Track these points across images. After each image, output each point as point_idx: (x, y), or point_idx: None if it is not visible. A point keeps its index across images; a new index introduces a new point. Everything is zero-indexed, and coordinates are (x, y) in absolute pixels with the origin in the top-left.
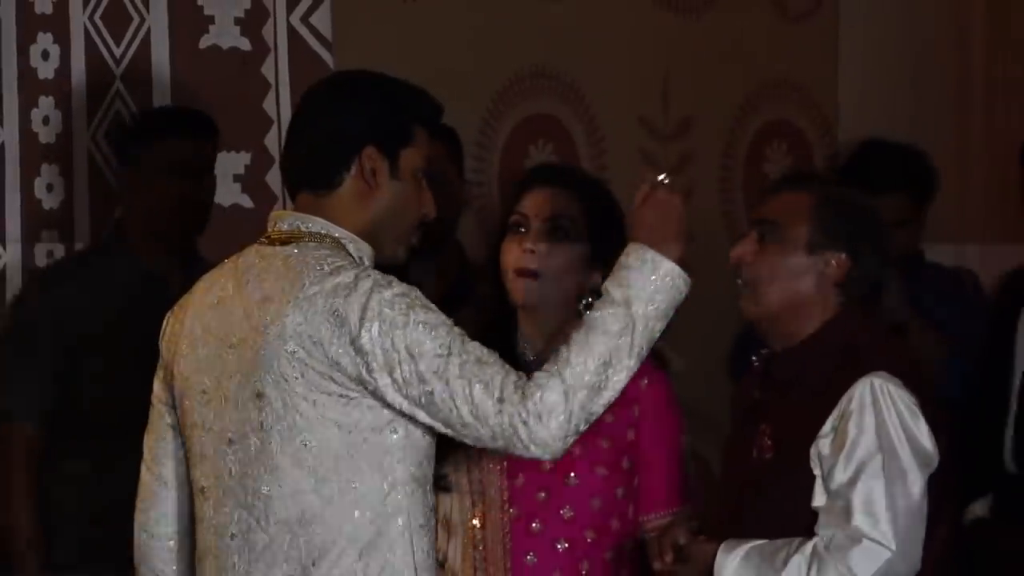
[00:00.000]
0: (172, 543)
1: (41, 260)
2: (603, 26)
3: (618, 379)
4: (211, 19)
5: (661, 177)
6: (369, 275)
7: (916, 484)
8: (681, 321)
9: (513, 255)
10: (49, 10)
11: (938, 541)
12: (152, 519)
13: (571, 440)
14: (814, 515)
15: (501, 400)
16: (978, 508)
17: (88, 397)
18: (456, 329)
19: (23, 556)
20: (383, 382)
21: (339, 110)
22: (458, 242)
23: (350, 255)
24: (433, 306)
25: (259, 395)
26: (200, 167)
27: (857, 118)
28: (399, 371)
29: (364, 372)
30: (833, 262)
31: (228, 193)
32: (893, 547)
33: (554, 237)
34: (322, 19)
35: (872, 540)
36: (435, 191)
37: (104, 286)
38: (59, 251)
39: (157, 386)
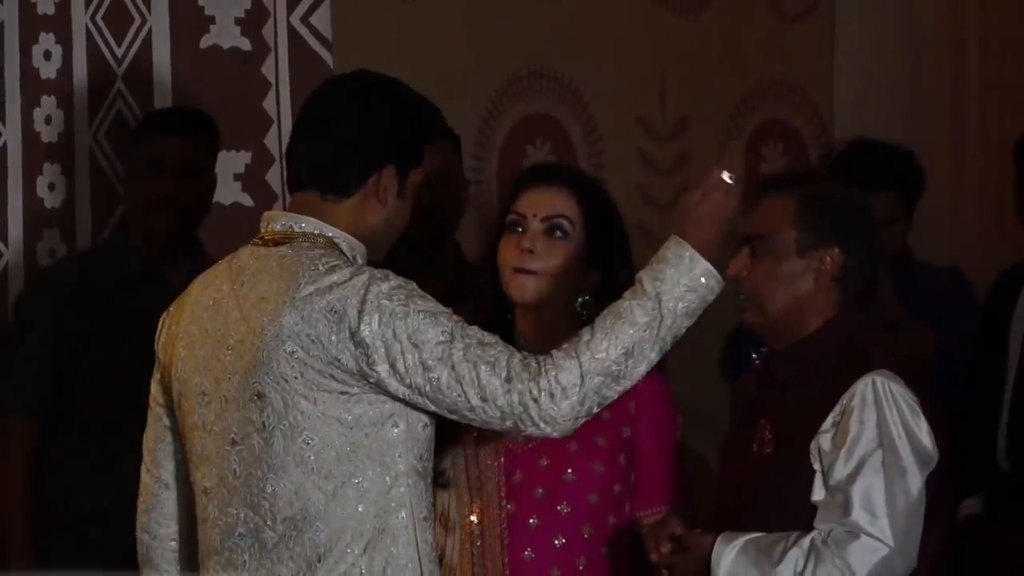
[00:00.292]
0: (174, 544)
1: (43, 259)
2: (601, 26)
3: (638, 370)
4: (212, 19)
5: (727, 176)
6: (365, 270)
7: (915, 482)
8: None
9: (511, 254)
10: (51, 10)
11: (934, 539)
12: (154, 520)
13: (581, 421)
14: (813, 509)
15: (509, 379)
16: (971, 505)
17: (88, 396)
18: (455, 316)
19: (19, 554)
20: (385, 374)
21: (368, 123)
22: (455, 241)
23: (343, 254)
24: (430, 296)
25: (259, 396)
26: (200, 166)
27: (853, 118)
28: (401, 361)
29: (365, 366)
30: (827, 258)
31: (228, 192)
32: (891, 544)
33: (552, 236)
34: (322, 19)
35: (870, 536)
36: (442, 191)
37: (105, 285)
38: (61, 250)
39: (154, 388)
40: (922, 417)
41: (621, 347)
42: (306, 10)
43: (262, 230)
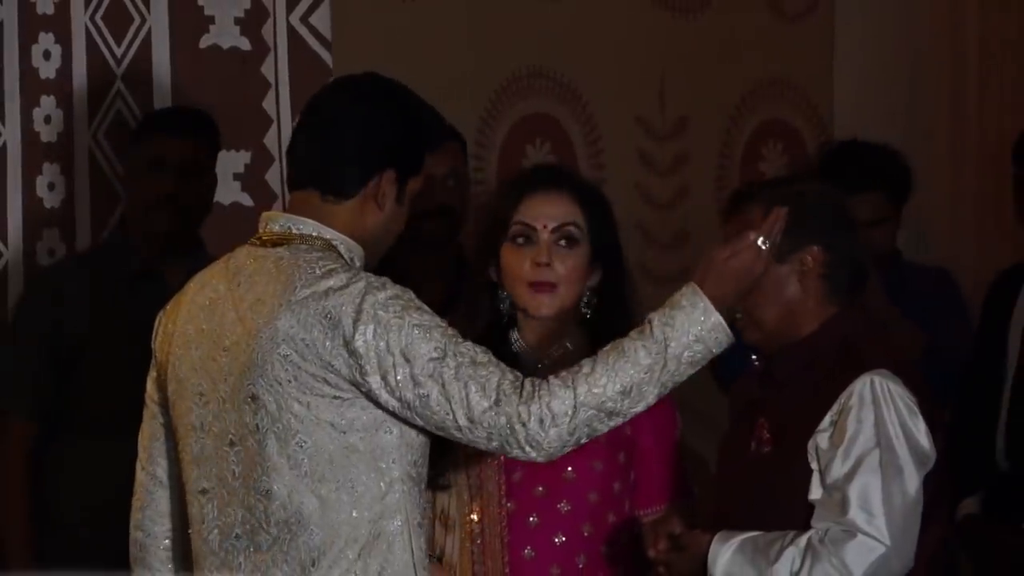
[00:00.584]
0: (168, 542)
1: (42, 259)
2: (600, 26)
3: (634, 410)
4: (211, 19)
5: (760, 241)
6: (361, 277)
7: (912, 482)
8: None
9: (524, 268)
10: (51, 10)
11: (932, 539)
12: (148, 518)
13: (567, 450)
14: (810, 508)
15: (498, 401)
16: (969, 505)
17: (87, 396)
18: (450, 331)
19: (18, 554)
20: (376, 385)
21: (371, 125)
22: (459, 242)
23: (341, 257)
24: (426, 308)
25: (253, 398)
26: (200, 166)
27: (853, 117)
28: (393, 374)
29: (357, 375)
30: (808, 258)
31: (228, 192)
32: (888, 543)
33: (563, 245)
34: (321, 19)
35: (867, 535)
36: (454, 190)
37: (105, 285)
38: (60, 250)
39: (150, 386)
40: (920, 417)
41: (620, 385)
42: (305, 10)
43: (260, 230)
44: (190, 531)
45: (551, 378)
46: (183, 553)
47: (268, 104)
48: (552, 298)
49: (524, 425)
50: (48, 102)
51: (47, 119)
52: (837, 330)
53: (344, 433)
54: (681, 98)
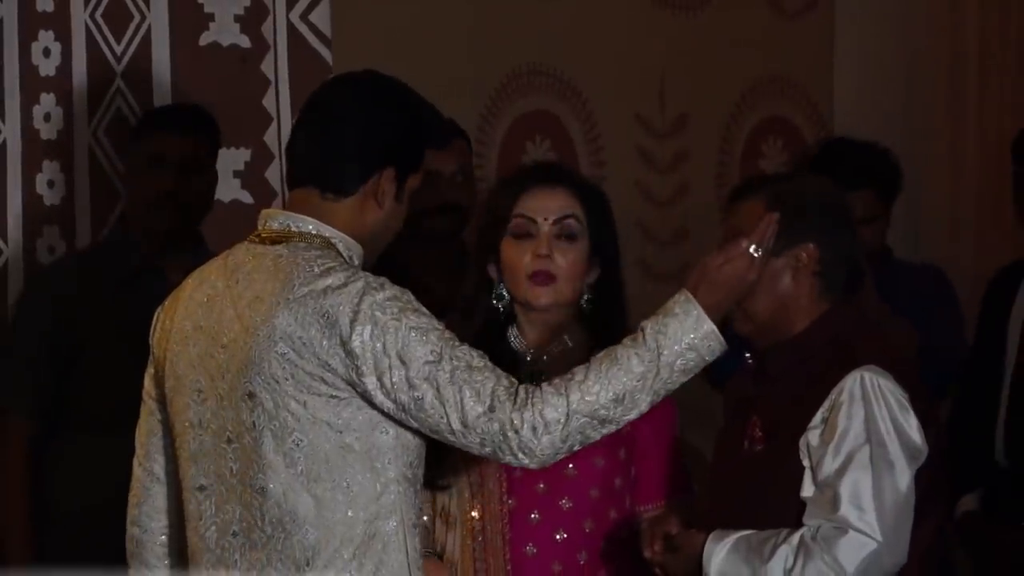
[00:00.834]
0: (164, 538)
1: (42, 256)
2: (600, 23)
3: (627, 417)
4: (211, 17)
5: (753, 248)
6: (360, 277)
7: (904, 477)
8: None
9: (525, 260)
10: (50, 8)
11: (926, 535)
12: (144, 514)
13: (560, 457)
14: (803, 506)
15: (492, 408)
16: (968, 502)
17: (88, 393)
18: (447, 334)
19: (18, 551)
20: (372, 386)
21: (371, 123)
22: (462, 239)
23: (340, 255)
24: (424, 309)
25: (250, 395)
26: (200, 163)
27: (852, 114)
28: (388, 376)
29: (354, 375)
30: (803, 254)
31: (228, 189)
32: (879, 538)
33: (563, 238)
34: (321, 16)
35: (858, 531)
36: (462, 187)
37: (105, 282)
38: (60, 247)
39: (148, 382)
40: (911, 412)
41: (612, 393)
42: (305, 7)
43: (259, 227)
44: (187, 527)
45: (544, 385)
46: (179, 549)
47: (268, 102)
48: (551, 290)
49: (517, 432)
50: (48, 100)
51: (47, 117)
52: (829, 327)
53: (340, 433)
54: (681, 95)
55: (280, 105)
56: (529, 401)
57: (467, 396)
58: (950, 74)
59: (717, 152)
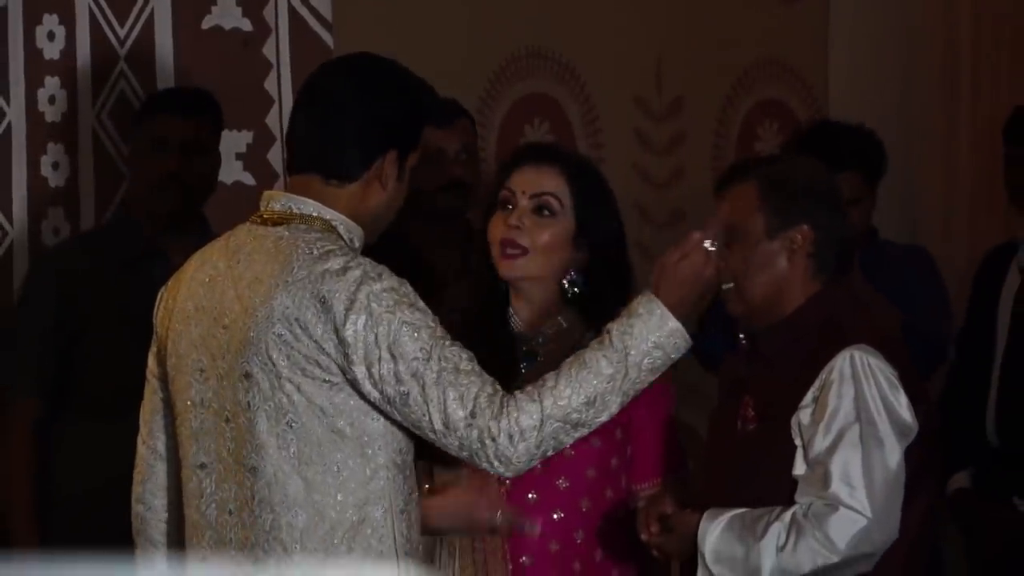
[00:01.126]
0: (167, 515)
1: (47, 238)
2: (598, 7)
3: (599, 419)
4: (213, 0)
5: (708, 243)
6: (360, 264)
7: (894, 454)
8: None
9: (499, 230)
10: None
11: (917, 512)
12: (148, 491)
13: (535, 463)
14: (795, 484)
15: (473, 415)
16: (960, 480)
17: (91, 375)
18: (439, 331)
19: (23, 533)
20: (361, 375)
21: (371, 108)
22: (466, 218)
23: (341, 238)
24: (421, 304)
25: (247, 375)
26: (203, 145)
27: (847, 98)
28: (377, 368)
29: (344, 362)
30: (798, 236)
31: (230, 171)
32: (869, 515)
33: (539, 214)
34: (322, 0)
35: (849, 508)
36: (468, 165)
37: (109, 264)
38: (64, 229)
39: (151, 361)
40: (901, 390)
41: (584, 396)
42: None
43: (261, 208)
44: (187, 505)
45: (518, 393)
46: (178, 528)
47: (270, 84)
48: (522, 263)
49: (494, 440)
50: (52, 83)
51: (51, 99)
52: (822, 307)
53: (332, 417)
54: (678, 78)
55: (282, 88)
56: (505, 409)
57: (451, 399)
58: (945, 56)
59: (713, 135)
